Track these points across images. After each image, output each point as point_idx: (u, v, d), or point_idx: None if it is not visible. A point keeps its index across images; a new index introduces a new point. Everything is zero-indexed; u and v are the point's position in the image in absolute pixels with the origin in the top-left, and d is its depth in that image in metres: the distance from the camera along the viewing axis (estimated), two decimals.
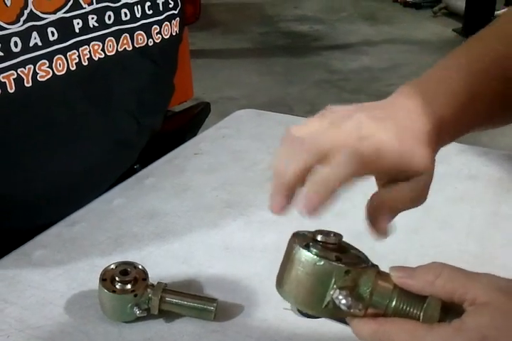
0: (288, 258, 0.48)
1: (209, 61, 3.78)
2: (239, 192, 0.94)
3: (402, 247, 0.79)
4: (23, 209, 0.87)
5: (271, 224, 0.86)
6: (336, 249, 0.48)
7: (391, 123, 0.50)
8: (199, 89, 2.34)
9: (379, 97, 0.55)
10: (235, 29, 4.58)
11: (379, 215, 0.50)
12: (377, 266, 0.49)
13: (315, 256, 0.46)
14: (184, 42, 1.15)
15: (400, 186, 0.50)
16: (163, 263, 0.77)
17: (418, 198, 0.52)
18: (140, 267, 0.68)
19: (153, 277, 0.69)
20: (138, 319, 0.67)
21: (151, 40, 0.97)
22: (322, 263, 0.46)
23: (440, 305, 0.46)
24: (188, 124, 1.36)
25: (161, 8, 0.99)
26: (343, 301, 0.45)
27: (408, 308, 0.46)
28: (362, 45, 4.24)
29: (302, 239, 0.48)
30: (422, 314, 0.46)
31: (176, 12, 1.02)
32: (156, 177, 0.99)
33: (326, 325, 0.67)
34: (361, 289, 0.46)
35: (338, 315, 0.47)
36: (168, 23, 0.99)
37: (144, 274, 0.68)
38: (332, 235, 0.48)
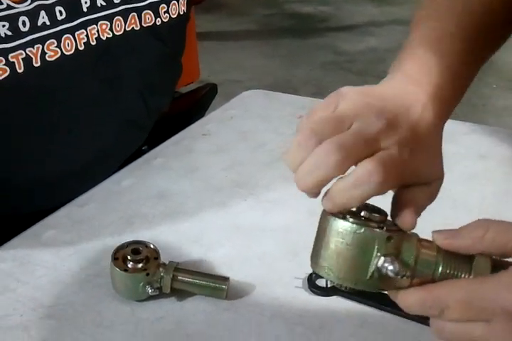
0: (323, 233, 0.45)
1: (214, 43, 3.76)
2: (248, 173, 0.94)
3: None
4: (33, 192, 0.87)
5: (280, 204, 0.86)
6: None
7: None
8: (204, 72, 2.32)
9: None
10: (239, 11, 4.56)
11: (405, 209, 0.48)
12: (416, 233, 0.46)
13: (354, 225, 0.43)
14: (191, 23, 1.14)
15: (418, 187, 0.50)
16: (174, 242, 0.77)
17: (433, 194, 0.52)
18: (152, 246, 0.69)
19: (165, 256, 0.68)
20: (150, 297, 0.67)
21: (158, 19, 0.96)
22: (363, 230, 0.43)
23: (490, 261, 0.44)
24: (195, 106, 1.35)
25: None
26: (391, 267, 0.42)
27: (456, 272, 0.44)
28: (368, 26, 4.21)
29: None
30: (472, 273, 0.43)
31: None
32: (164, 158, 0.99)
33: (336, 301, 0.68)
34: (405, 256, 0.44)
35: (383, 286, 0.44)
36: (175, 2, 0.98)
37: (155, 253, 0.68)
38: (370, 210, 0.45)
